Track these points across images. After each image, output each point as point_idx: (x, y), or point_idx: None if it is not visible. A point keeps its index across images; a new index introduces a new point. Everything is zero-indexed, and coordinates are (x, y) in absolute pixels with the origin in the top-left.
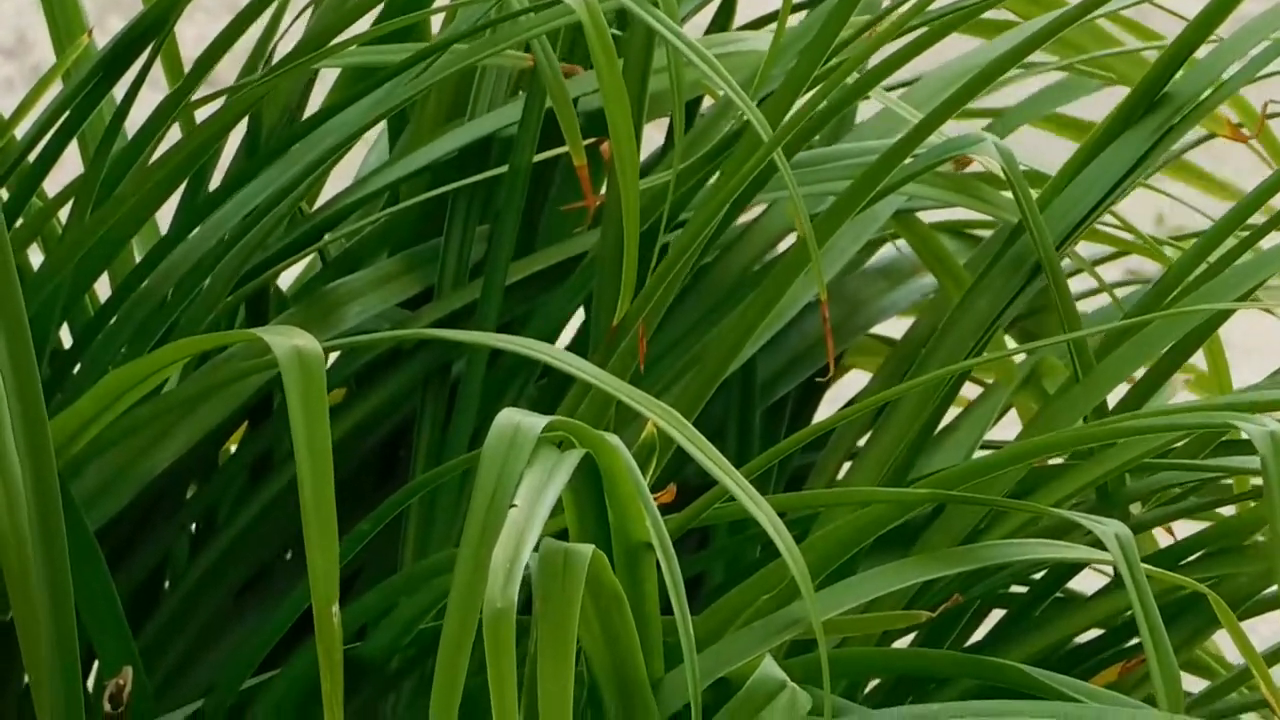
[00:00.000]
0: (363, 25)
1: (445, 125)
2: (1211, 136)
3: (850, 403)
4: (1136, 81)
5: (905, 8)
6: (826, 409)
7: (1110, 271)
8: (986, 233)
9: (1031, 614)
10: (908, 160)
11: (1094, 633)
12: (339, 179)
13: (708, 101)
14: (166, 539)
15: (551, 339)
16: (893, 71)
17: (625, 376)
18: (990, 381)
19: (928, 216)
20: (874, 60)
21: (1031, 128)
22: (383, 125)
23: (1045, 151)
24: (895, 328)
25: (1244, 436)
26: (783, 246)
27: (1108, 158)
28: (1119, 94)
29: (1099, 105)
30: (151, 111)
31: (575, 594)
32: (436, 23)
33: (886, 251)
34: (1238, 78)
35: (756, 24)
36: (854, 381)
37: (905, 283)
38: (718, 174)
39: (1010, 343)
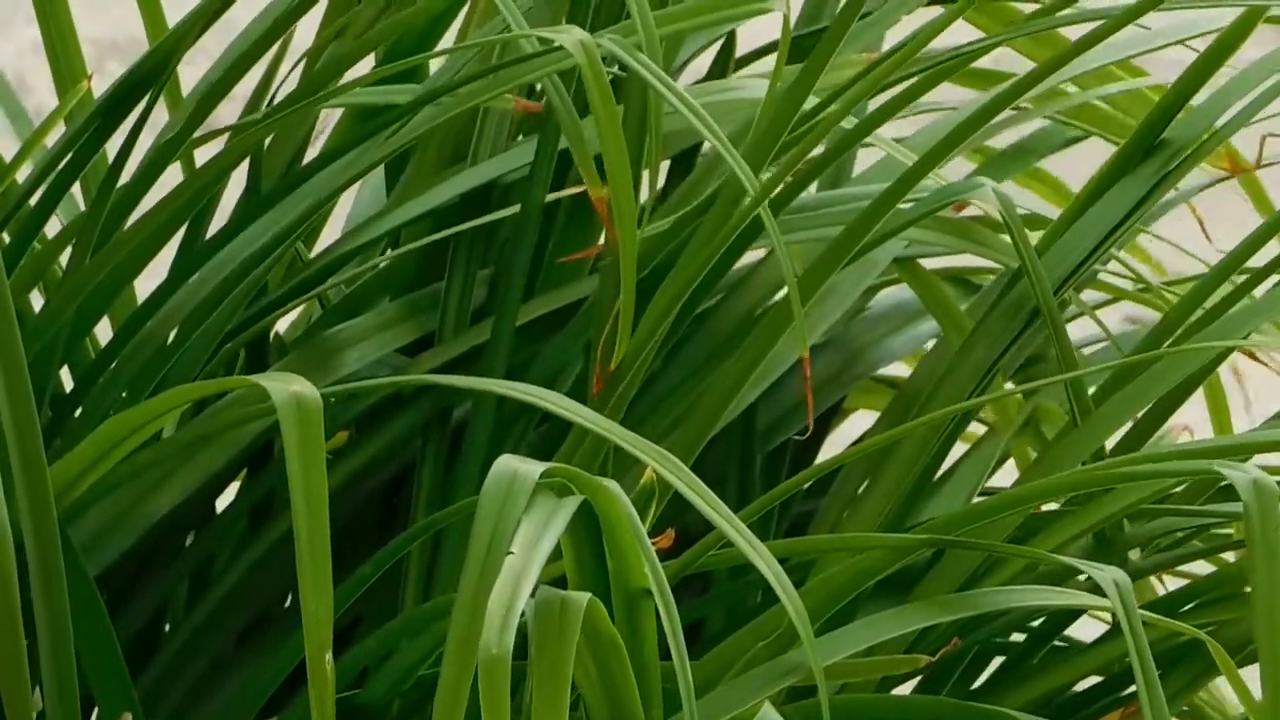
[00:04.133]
0: (364, 68)
1: (447, 170)
2: (1211, 184)
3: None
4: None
5: (894, 57)
6: (830, 454)
7: (1109, 317)
8: (991, 280)
9: (1029, 661)
10: (907, 205)
11: (1093, 680)
12: (335, 223)
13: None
14: (166, 585)
15: (552, 384)
16: (889, 118)
17: (618, 419)
18: (991, 422)
19: (933, 263)
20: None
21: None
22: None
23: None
24: (900, 370)
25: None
26: (785, 290)
27: (1106, 203)
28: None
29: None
30: (151, 153)
31: (570, 641)
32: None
33: (889, 295)
34: (1235, 122)
35: (759, 54)
36: (858, 426)
37: (908, 327)
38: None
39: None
